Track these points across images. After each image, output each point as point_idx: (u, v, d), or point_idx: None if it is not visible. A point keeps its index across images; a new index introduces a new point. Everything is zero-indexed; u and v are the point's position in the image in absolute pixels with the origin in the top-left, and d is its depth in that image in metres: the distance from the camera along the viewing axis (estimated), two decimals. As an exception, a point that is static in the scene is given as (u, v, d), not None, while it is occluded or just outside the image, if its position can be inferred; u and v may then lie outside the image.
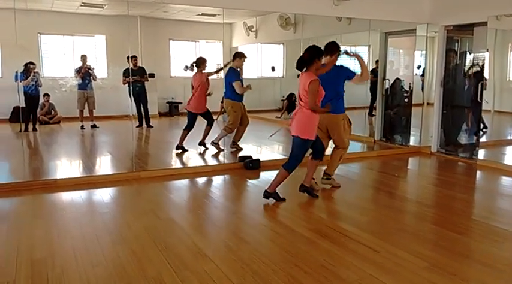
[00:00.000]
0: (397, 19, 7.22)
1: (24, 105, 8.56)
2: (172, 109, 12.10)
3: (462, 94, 7.44)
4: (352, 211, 4.72)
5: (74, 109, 9.74)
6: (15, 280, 2.92)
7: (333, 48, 5.12)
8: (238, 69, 7.35)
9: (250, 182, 5.84)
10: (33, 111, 9.27)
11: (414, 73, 8.20)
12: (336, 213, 4.51)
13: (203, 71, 7.50)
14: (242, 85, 7.24)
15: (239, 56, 7.36)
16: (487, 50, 7.00)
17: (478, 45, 7.01)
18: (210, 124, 7.71)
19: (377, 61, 8.60)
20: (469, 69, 7.37)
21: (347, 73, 5.18)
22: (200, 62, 7.52)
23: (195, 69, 7.49)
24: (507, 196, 5.42)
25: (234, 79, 7.18)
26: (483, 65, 7.01)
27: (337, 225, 4.07)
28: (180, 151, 7.43)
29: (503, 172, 6.29)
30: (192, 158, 7.53)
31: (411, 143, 7.96)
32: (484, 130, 7.49)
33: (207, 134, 7.67)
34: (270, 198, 4.74)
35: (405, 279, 2.99)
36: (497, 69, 7.85)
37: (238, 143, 7.61)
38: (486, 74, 7.10)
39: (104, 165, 7.08)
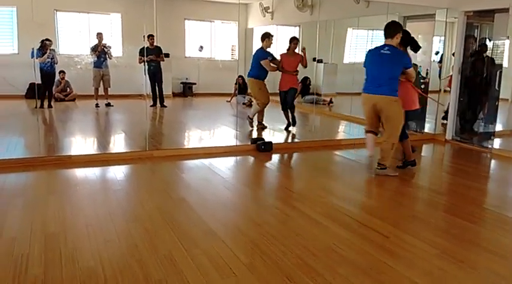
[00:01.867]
0: (417, 3, 7.09)
1: (40, 82, 8.65)
2: (186, 90, 12.14)
3: (480, 82, 7.31)
4: (363, 196, 4.72)
5: (89, 87, 9.82)
6: (28, 253, 2.98)
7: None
8: (268, 49, 7.58)
9: (262, 164, 5.85)
10: (48, 87, 9.37)
11: (432, 60, 8.08)
12: (347, 198, 4.51)
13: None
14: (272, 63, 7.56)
15: (266, 36, 7.54)
16: (508, 38, 6.85)
17: (499, 32, 6.87)
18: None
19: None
20: (488, 56, 7.23)
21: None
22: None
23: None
24: (521, 186, 5.37)
25: (264, 57, 7.47)
26: (503, 53, 6.86)
27: (347, 209, 4.07)
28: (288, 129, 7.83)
29: (519, 162, 6.21)
30: (205, 139, 7.56)
31: (426, 130, 7.88)
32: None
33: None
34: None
35: (415, 265, 2.99)
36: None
37: (263, 122, 7.86)
38: (505, 62, 6.96)
39: (118, 143, 7.15)
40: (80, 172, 5.05)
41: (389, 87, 4.91)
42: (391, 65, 4.92)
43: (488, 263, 3.09)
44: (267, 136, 7.31)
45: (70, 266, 2.84)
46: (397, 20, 5.39)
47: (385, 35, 4.98)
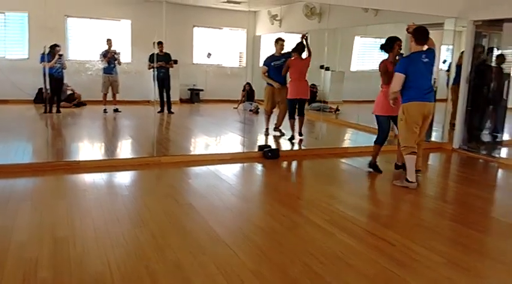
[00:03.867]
0: (426, 12, 7.09)
1: (48, 87, 8.72)
2: (193, 96, 12.19)
3: (488, 91, 7.30)
4: (370, 205, 4.72)
5: (98, 93, 9.89)
6: (37, 256, 3.01)
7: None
8: (276, 55, 7.68)
9: (269, 171, 5.87)
10: (57, 93, 9.44)
11: (440, 68, 8.08)
12: (353, 206, 4.51)
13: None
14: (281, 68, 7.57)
15: (276, 41, 7.71)
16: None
17: (507, 42, 6.87)
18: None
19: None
20: (496, 65, 7.22)
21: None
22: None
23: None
24: (529, 196, 5.34)
25: (264, 63, 7.64)
26: (511, 62, 6.86)
27: (354, 217, 4.07)
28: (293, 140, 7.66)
29: (527, 171, 6.19)
30: (211, 145, 7.60)
31: (433, 139, 7.86)
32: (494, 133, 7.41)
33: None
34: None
35: (421, 274, 2.99)
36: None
37: (280, 128, 7.87)
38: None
39: (126, 149, 7.19)
40: (89, 178, 5.08)
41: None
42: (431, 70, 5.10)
43: (496, 272, 3.08)
44: (273, 143, 7.33)
45: (78, 270, 2.86)
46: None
47: (421, 39, 4.97)
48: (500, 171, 6.41)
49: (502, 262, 3.23)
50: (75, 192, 4.65)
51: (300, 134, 7.68)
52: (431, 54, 5.03)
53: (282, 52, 7.67)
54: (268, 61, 7.66)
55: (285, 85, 7.62)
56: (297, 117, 7.57)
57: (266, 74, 7.66)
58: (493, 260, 3.32)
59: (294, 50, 7.43)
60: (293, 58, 7.44)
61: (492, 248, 3.62)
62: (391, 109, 5.27)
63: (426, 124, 5.16)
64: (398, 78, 4.92)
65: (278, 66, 7.57)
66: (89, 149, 6.93)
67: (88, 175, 5.14)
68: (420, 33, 4.97)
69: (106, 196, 4.50)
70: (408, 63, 5.00)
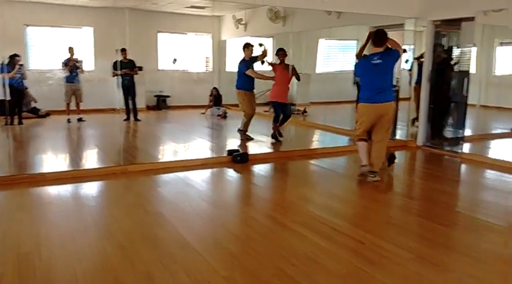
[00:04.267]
0: (386, 13, 7.25)
1: (9, 98, 8.46)
2: (160, 103, 12.06)
3: (448, 89, 7.50)
4: (339, 204, 4.77)
5: (60, 102, 9.64)
6: (2, 273, 2.91)
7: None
8: (247, 59, 7.73)
9: (238, 175, 5.86)
10: (18, 104, 9.17)
11: (402, 68, 8.27)
12: (322, 206, 4.55)
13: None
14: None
15: (245, 46, 7.75)
16: (474, 45, 7.07)
17: (465, 40, 7.08)
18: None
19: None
20: (456, 63, 7.44)
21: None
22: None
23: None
24: (490, 189, 5.51)
25: (244, 68, 7.60)
26: (469, 60, 7.07)
27: (324, 218, 4.11)
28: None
29: (487, 165, 6.39)
30: (180, 152, 7.53)
31: (397, 137, 8.02)
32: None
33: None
34: None
35: (391, 270, 3.04)
36: (484, 64, 7.95)
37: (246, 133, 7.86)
38: (473, 69, 7.17)
39: (91, 159, 7.05)
40: (53, 190, 4.95)
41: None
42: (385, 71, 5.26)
43: (463, 265, 3.16)
44: (242, 147, 7.32)
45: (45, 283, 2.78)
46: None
47: (376, 42, 5.23)
48: (463, 166, 6.59)
49: (468, 255, 3.32)
50: (40, 204, 4.52)
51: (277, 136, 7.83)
52: (387, 55, 5.22)
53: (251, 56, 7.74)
54: (247, 63, 7.68)
55: (252, 90, 7.72)
56: None
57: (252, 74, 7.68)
58: (459, 253, 3.41)
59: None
60: (278, 64, 7.69)
61: (458, 242, 3.72)
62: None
63: (384, 123, 5.28)
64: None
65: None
66: (53, 161, 6.75)
67: (53, 188, 5.00)
68: (375, 36, 5.25)
69: (72, 208, 4.39)
70: (359, 65, 5.54)
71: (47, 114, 10.30)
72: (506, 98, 7.76)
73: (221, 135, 7.94)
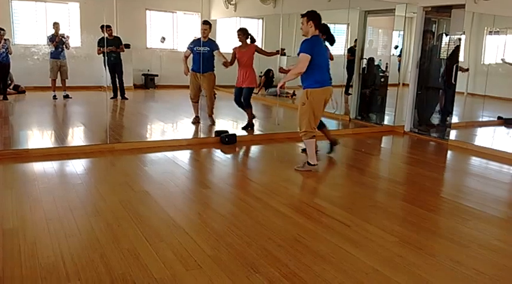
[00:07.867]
0: (377, -3, 7.23)
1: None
2: (147, 82, 11.93)
3: (437, 75, 7.54)
4: (326, 187, 4.80)
5: (46, 78, 9.49)
6: (-15, 250, 2.88)
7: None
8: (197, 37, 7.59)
9: (226, 156, 5.85)
10: (3, 79, 9.01)
11: (391, 54, 8.27)
12: (309, 189, 4.58)
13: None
14: (191, 53, 7.55)
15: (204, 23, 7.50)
16: (464, 33, 7.09)
17: (455, 28, 7.09)
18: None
19: (355, 40, 8.61)
20: (445, 51, 7.46)
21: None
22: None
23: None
24: (475, 176, 5.59)
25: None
26: (459, 47, 7.10)
27: (310, 200, 4.14)
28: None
29: (473, 152, 6.47)
30: (167, 131, 7.48)
31: (385, 122, 8.07)
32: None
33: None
34: None
35: (375, 253, 3.08)
36: (472, 52, 7.98)
37: (212, 116, 7.59)
38: (461, 57, 7.20)
39: (77, 136, 6.97)
40: (39, 166, 4.89)
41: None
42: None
43: (446, 250, 3.22)
44: (231, 128, 7.30)
45: (30, 262, 2.76)
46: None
47: (320, 26, 4.99)
48: (449, 152, 6.66)
49: (451, 240, 3.38)
50: (24, 181, 4.46)
51: (251, 125, 7.25)
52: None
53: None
54: (191, 45, 7.45)
55: (207, 72, 7.36)
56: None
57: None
58: (442, 238, 3.46)
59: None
60: (237, 46, 7.11)
61: (442, 227, 3.78)
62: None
63: (324, 108, 5.17)
64: (305, 59, 4.75)
65: (200, 52, 7.31)
66: (38, 137, 6.66)
67: (38, 164, 4.95)
68: (320, 19, 4.94)
69: (58, 185, 4.35)
70: (313, 44, 4.85)
71: (24, 90, 10.09)
72: (493, 87, 7.81)
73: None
